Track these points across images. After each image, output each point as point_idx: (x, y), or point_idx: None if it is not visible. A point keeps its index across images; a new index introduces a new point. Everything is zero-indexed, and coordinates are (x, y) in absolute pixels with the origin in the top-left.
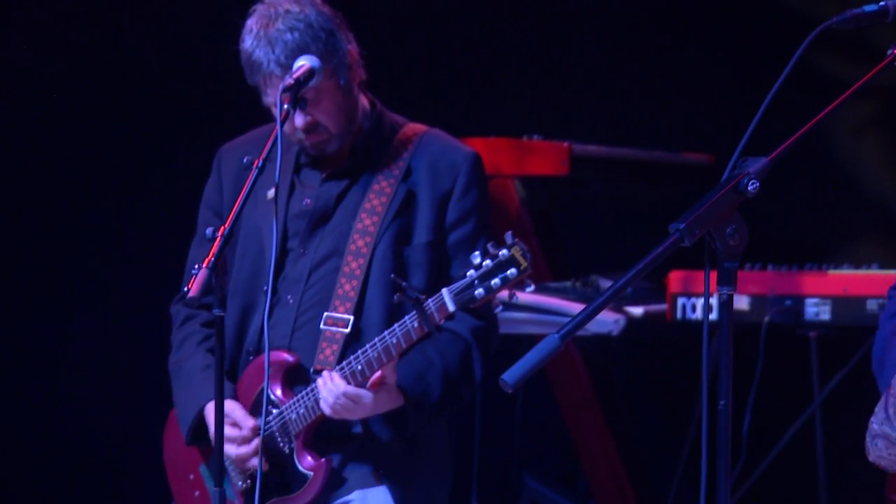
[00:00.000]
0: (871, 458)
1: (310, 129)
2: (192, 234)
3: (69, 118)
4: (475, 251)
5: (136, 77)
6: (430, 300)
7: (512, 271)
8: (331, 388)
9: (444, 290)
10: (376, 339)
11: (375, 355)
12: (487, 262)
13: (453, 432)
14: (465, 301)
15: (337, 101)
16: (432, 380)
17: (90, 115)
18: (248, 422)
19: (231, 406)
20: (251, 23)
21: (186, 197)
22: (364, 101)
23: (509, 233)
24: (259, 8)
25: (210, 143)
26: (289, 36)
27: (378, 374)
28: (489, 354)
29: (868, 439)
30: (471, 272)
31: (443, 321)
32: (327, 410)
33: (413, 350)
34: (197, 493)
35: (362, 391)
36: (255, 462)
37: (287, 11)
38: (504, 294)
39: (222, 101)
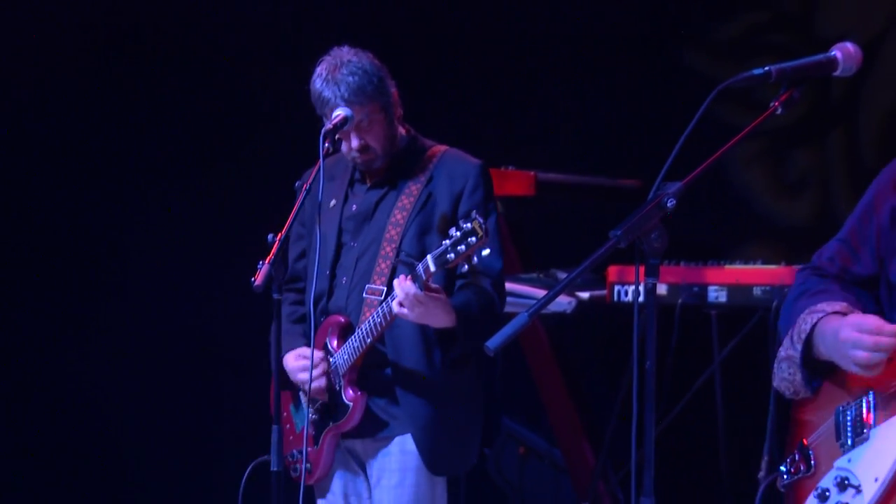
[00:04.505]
0: (776, 383)
1: (362, 150)
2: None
3: (96, 120)
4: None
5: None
6: (419, 264)
7: (471, 239)
8: (406, 286)
9: (428, 256)
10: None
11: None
12: (458, 233)
13: (481, 386)
14: (442, 263)
15: (384, 129)
16: (473, 307)
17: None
18: (316, 353)
19: (302, 349)
20: (321, 69)
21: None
22: (401, 129)
23: (474, 210)
24: (326, 59)
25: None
26: (351, 79)
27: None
28: (503, 301)
29: (775, 365)
30: (446, 242)
31: (430, 280)
32: (396, 308)
33: (454, 293)
34: (288, 426)
35: (429, 294)
36: (321, 383)
37: (349, 61)
38: (474, 258)
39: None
